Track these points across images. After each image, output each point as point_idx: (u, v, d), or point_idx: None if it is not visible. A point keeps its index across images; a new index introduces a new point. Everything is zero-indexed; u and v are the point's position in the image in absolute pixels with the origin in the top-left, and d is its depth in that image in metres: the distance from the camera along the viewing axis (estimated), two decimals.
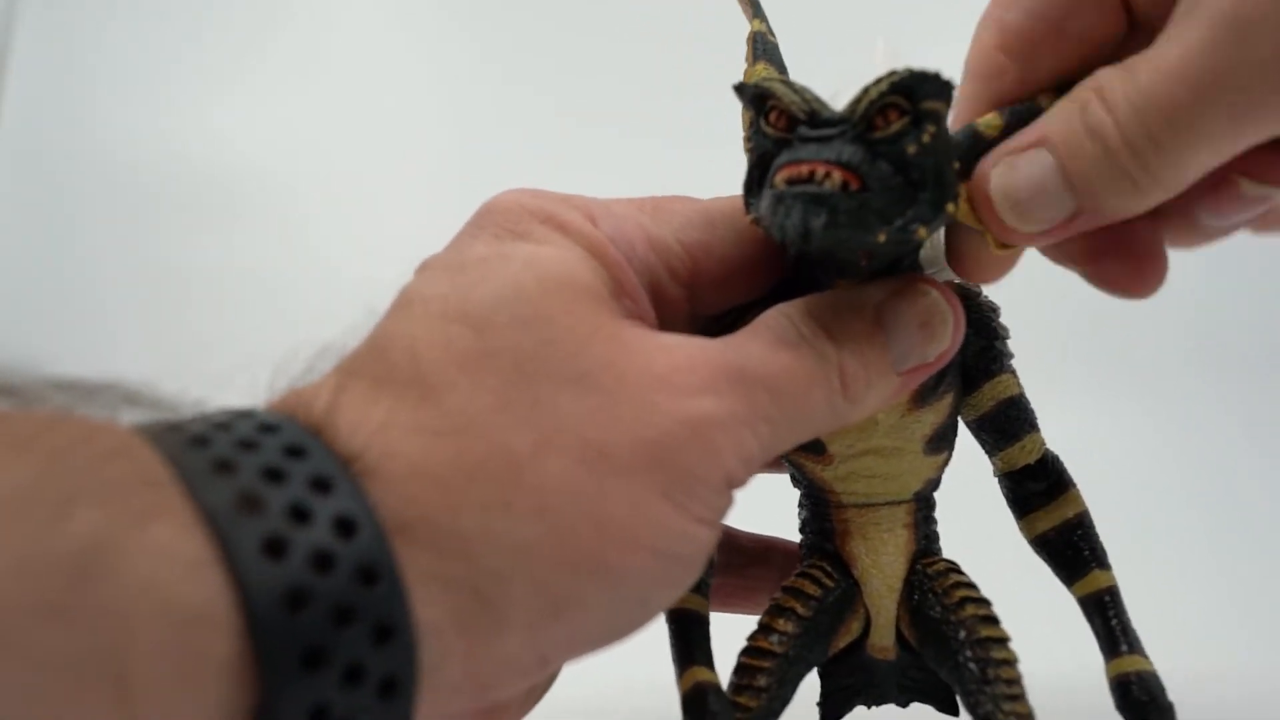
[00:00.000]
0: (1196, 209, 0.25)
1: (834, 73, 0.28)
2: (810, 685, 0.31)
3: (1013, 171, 0.24)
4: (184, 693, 0.17)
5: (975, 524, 0.35)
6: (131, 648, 0.17)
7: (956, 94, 0.24)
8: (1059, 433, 0.32)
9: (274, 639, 0.18)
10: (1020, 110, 0.25)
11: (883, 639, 0.30)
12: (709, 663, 0.28)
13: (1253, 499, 0.67)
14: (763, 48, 0.30)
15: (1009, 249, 0.25)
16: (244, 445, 0.19)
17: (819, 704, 0.32)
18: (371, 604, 0.19)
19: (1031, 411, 0.30)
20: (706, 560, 0.23)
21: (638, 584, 0.22)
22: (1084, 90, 0.24)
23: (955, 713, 0.32)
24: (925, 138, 0.23)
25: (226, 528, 0.18)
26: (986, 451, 0.30)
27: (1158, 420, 0.73)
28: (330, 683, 0.18)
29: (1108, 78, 0.23)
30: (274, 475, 0.19)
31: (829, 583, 0.29)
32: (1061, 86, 0.25)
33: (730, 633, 0.30)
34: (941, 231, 0.27)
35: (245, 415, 0.21)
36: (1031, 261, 0.27)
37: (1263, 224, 0.26)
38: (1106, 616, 0.29)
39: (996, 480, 0.31)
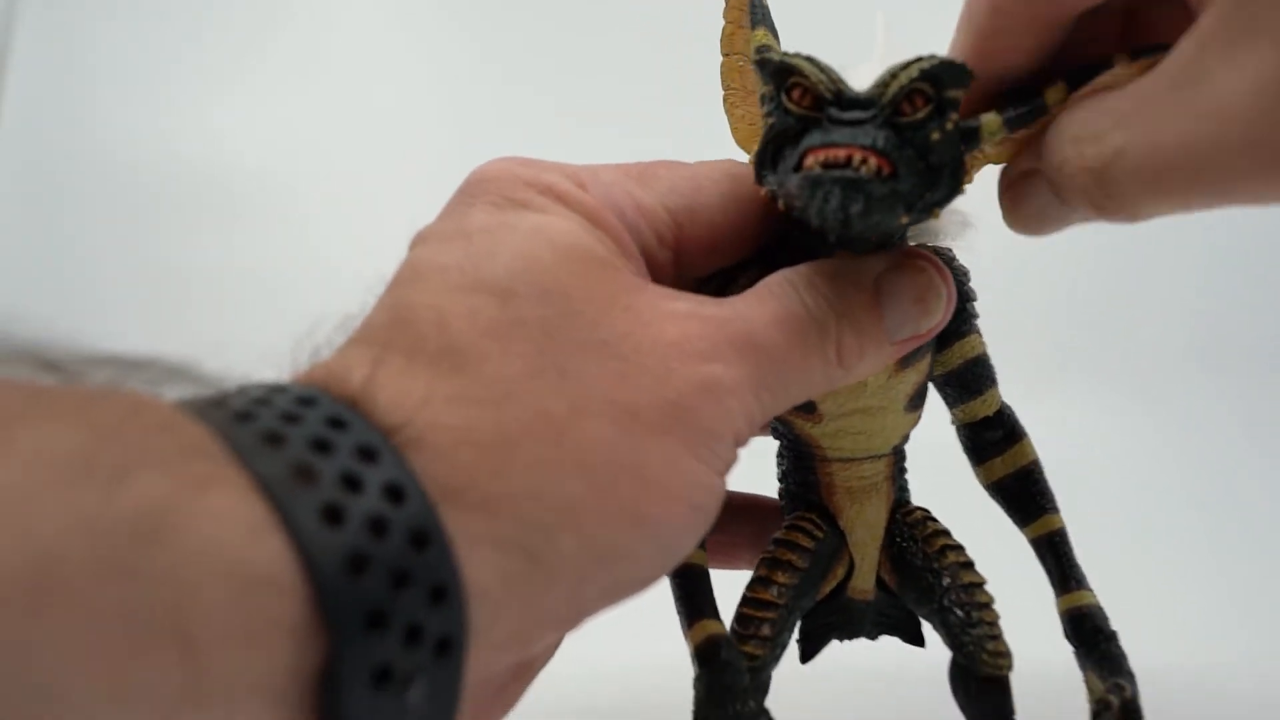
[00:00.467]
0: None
1: (826, 38, 0.29)
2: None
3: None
4: (249, 653, 0.18)
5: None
6: (196, 608, 0.17)
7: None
8: (1060, 431, 0.33)
9: (339, 602, 0.18)
10: (1024, 108, 0.26)
11: (864, 583, 0.32)
12: (717, 615, 0.29)
13: (1252, 498, 0.68)
14: (761, 12, 0.30)
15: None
16: (287, 418, 0.20)
17: (798, 641, 0.34)
18: (425, 567, 0.19)
19: (993, 368, 0.31)
20: (719, 511, 0.25)
21: (672, 533, 0.23)
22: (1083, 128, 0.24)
23: (921, 644, 0.34)
24: (948, 125, 0.24)
25: (283, 496, 0.18)
26: (949, 404, 0.32)
27: (1157, 420, 0.73)
28: (392, 643, 0.19)
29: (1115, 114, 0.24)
30: (322, 446, 0.19)
31: (819, 534, 0.31)
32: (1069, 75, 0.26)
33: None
34: None
35: (279, 390, 0.21)
36: (1034, 262, 0.29)
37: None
38: (1058, 555, 0.31)
39: (955, 429, 0.33)
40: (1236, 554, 0.62)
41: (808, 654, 0.34)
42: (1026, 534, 0.32)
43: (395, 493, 0.19)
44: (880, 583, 0.32)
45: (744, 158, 0.30)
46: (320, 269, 0.79)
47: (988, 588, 0.30)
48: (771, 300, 0.25)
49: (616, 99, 0.82)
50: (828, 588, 0.32)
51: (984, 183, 0.28)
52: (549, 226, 0.25)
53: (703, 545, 0.30)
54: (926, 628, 0.33)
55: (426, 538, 0.19)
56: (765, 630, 0.29)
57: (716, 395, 0.23)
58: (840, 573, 0.32)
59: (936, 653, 0.32)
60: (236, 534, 0.18)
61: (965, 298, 0.31)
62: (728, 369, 0.24)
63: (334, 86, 0.87)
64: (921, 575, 0.31)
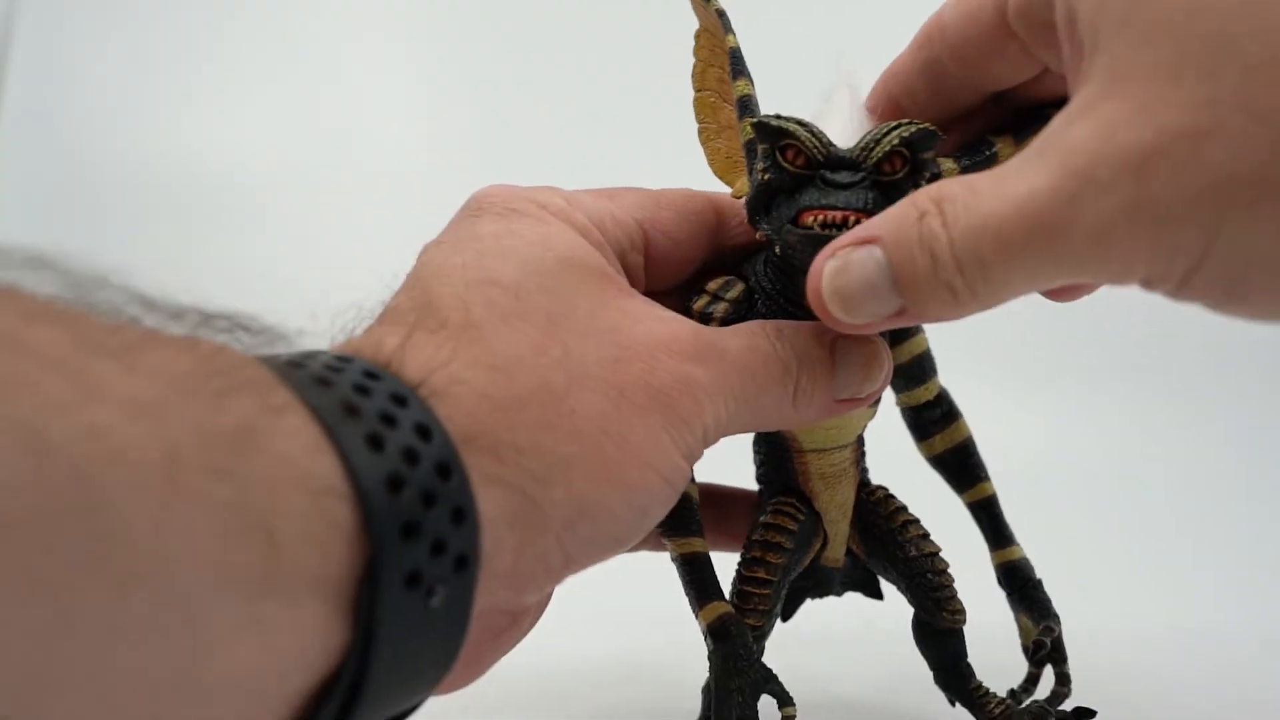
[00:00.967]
0: None
1: (789, 77, 0.33)
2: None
3: (845, 270, 0.26)
4: (315, 550, 0.21)
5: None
6: (278, 509, 0.20)
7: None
8: (1057, 430, 0.36)
9: (381, 513, 0.21)
10: (978, 158, 0.31)
11: (836, 553, 0.37)
12: (723, 595, 0.33)
13: (1252, 498, 0.69)
14: (740, 64, 0.33)
15: None
16: (331, 368, 0.23)
17: None
18: (448, 492, 0.23)
19: (934, 360, 0.36)
20: (682, 492, 0.29)
21: (646, 498, 0.27)
22: (925, 198, 0.25)
23: (880, 597, 0.39)
24: (921, 183, 0.28)
25: (335, 425, 0.22)
26: (896, 391, 0.37)
27: (1151, 423, 0.74)
28: (422, 552, 0.22)
29: (951, 192, 0.25)
30: (362, 390, 0.23)
31: (800, 517, 0.35)
32: (1019, 127, 0.30)
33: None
34: None
35: (319, 351, 0.25)
36: None
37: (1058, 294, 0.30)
38: (992, 517, 0.37)
39: (900, 411, 0.38)
40: (1237, 554, 0.63)
41: (786, 614, 0.39)
42: (964, 499, 0.37)
43: (424, 431, 0.23)
44: (849, 551, 0.37)
45: (719, 185, 0.34)
46: (320, 269, 0.80)
47: (943, 554, 0.36)
48: (746, 335, 0.30)
49: (605, 104, 0.84)
50: (808, 560, 0.36)
51: None
52: (552, 235, 0.29)
53: (701, 534, 0.34)
54: (886, 585, 0.38)
55: (449, 470, 0.23)
56: (763, 605, 0.34)
57: (694, 392, 0.28)
58: (816, 545, 0.36)
59: (900, 609, 0.37)
60: (305, 450, 0.21)
61: None
62: (706, 373, 0.28)
63: (333, 87, 0.88)
64: (886, 546, 0.36)
